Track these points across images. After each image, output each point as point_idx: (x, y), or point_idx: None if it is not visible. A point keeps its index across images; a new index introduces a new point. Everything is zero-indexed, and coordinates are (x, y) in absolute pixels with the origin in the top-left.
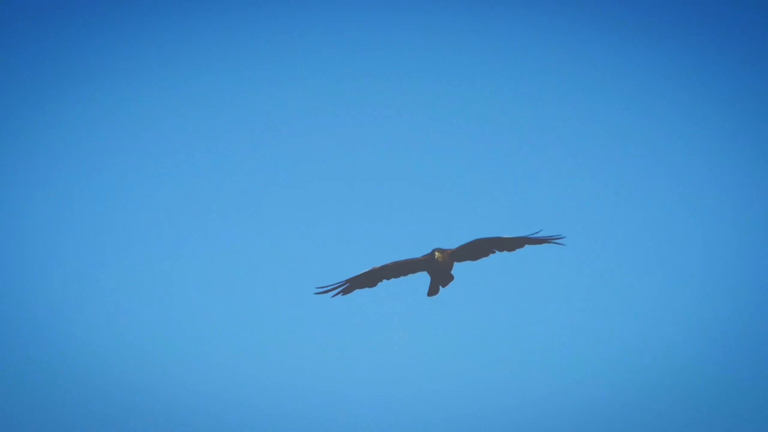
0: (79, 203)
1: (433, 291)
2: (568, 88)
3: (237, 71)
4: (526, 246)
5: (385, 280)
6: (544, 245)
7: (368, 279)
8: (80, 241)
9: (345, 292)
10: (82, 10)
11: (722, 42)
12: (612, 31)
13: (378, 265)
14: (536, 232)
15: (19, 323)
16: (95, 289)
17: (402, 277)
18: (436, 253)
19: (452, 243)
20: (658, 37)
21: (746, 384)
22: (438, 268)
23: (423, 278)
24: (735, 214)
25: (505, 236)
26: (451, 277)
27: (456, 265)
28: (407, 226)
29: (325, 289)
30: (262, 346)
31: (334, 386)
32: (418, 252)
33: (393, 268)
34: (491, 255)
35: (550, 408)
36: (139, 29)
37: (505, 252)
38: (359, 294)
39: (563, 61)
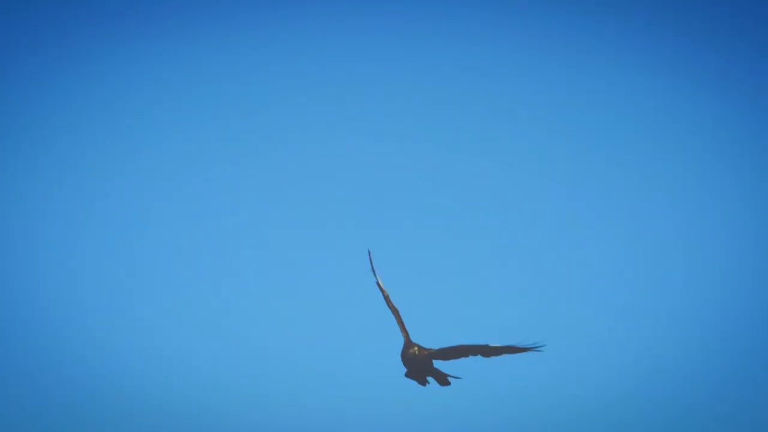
0: (82, 203)
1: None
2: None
3: (234, 74)
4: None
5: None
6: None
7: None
8: (81, 240)
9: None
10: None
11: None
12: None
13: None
14: (519, 344)
15: (20, 323)
16: (97, 288)
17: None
18: (415, 348)
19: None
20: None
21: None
22: (409, 361)
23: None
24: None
25: (489, 345)
26: (445, 381)
27: None
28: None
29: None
30: (263, 347)
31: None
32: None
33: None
34: (471, 357)
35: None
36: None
37: (479, 357)
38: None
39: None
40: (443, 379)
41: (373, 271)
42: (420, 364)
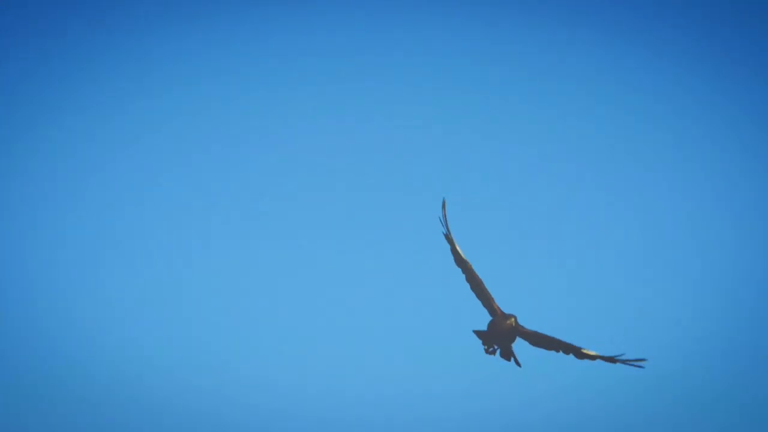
0: (85, 205)
1: (486, 343)
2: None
3: (236, 73)
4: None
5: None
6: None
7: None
8: (86, 243)
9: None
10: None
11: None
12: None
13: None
14: (619, 355)
15: (23, 326)
16: (101, 291)
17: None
18: (512, 320)
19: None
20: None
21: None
22: (498, 329)
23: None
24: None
25: (584, 350)
26: (509, 357)
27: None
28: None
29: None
30: (271, 350)
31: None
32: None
33: (476, 281)
34: (554, 353)
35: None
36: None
37: (571, 356)
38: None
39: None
40: (508, 355)
41: (447, 229)
42: (508, 336)
